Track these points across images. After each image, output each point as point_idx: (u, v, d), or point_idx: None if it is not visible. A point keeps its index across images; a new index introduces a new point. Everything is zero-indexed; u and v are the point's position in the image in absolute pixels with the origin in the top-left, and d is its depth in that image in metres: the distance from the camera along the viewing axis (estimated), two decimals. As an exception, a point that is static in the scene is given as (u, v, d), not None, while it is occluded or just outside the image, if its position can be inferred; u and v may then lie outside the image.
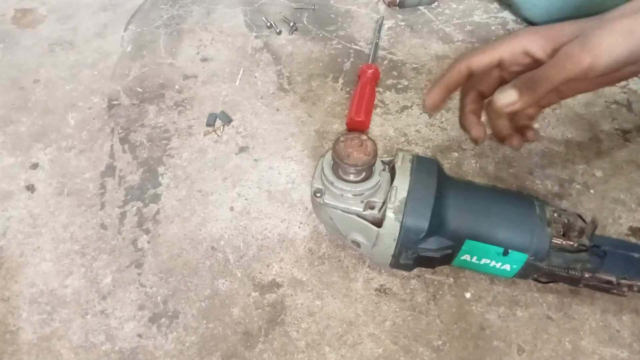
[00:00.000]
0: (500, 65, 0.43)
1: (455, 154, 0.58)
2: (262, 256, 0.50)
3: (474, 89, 0.47)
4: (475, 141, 0.48)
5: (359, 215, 0.41)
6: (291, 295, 0.47)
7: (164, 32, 0.76)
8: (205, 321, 0.46)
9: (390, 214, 0.39)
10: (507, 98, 0.39)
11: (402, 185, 0.40)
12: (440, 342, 0.44)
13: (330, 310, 0.46)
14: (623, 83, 0.65)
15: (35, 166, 0.59)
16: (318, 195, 0.42)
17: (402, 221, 0.39)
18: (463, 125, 0.49)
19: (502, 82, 0.45)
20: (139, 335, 0.45)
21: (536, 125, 0.60)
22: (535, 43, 0.40)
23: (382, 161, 0.43)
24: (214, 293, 0.48)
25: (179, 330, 0.46)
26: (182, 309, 0.47)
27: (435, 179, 0.40)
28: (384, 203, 0.41)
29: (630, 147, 0.59)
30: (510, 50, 0.41)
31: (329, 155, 0.42)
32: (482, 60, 0.42)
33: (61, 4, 0.82)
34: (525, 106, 0.40)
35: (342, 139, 0.41)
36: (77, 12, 0.80)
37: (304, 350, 0.44)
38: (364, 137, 0.41)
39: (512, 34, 0.42)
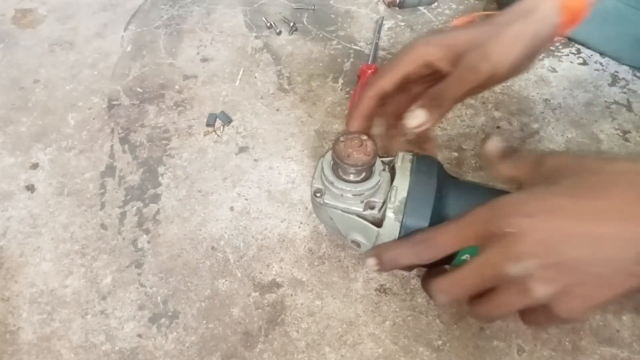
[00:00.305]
0: (407, 80, 0.43)
1: (455, 154, 0.58)
2: (262, 256, 0.50)
3: (388, 112, 0.46)
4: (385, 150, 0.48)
5: (359, 215, 0.41)
6: (291, 295, 0.47)
7: (164, 32, 0.76)
8: (205, 321, 0.46)
9: (390, 214, 0.39)
10: (418, 119, 0.39)
11: (402, 185, 0.40)
12: (440, 342, 0.44)
13: (330, 310, 0.46)
14: (623, 83, 0.66)
15: (35, 166, 0.59)
16: (318, 195, 0.42)
17: (402, 221, 0.39)
18: (392, 150, 0.48)
19: (414, 99, 0.44)
20: (139, 335, 0.45)
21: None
22: (434, 55, 0.41)
23: (382, 161, 0.43)
24: (214, 293, 0.48)
25: (179, 331, 0.46)
26: (182, 309, 0.47)
27: (435, 179, 0.40)
28: (384, 203, 0.41)
29: (630, 147, 0.59)
30: (413, 64, 0.41)
31: (328, 156, 0.42)
32: (390, 80, 0.42)
33: (61, 4, 0.82)
34: (435, 123, 0.40)
35: (342, 139, 0.41)
36: (77, 12, 0.80)
37: (304, 351, 0.44)
38: (364, 137, 0.41)
39: (409, 47, 0.42)
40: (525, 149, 0.39)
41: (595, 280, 0.30)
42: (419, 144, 0.47)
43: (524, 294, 0.32)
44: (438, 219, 0.40)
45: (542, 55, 0.45)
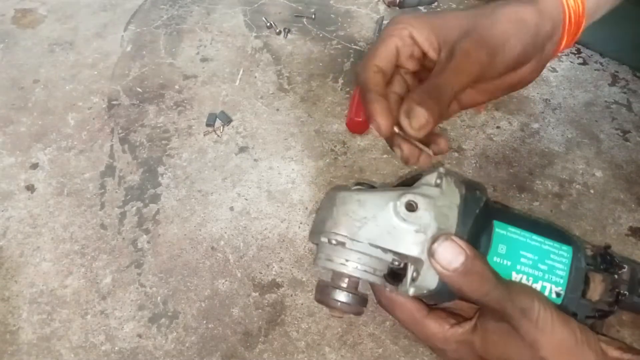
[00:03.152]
0: (397, 58, 0.38)
1: (456, 154, 0.58)
2: (262, 256, 0.50)
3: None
4: (407, 161, 0.40)
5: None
6: (291, 295, 0.47)
7: (164, 32, 0.76)
8: (205, 321, 0.46)
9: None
10: (420, 120, 0.34)
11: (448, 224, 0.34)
12: (440, 342, 0.44)
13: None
14: (623, 83, 0.66)
15: (35, 166, 0.59)
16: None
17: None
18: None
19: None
20: (139, 336, 0.45)
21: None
22: (420, 31, 0.36)
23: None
24: (214, 293, 0.48)
25: (178, 331, 0.46)
26: (182, 309, 0.47)
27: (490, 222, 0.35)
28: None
29: (630, 147, 0.59)
30: (400, 36, 0.37)
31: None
32: (381, 54, 0.37)
33: (61, 4, 0.82)
34: (437, 121, 0.35)
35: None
36: (77, 12, 0.80)
37: (304, 351, 0.44)
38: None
39: (395, 20, 0.37)
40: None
41: None
42: (428, 142, 0.41)
43: None
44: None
45: (551, 60, 0.39)
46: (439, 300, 0.36)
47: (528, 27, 0.36)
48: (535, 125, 0.61)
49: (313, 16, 0.76)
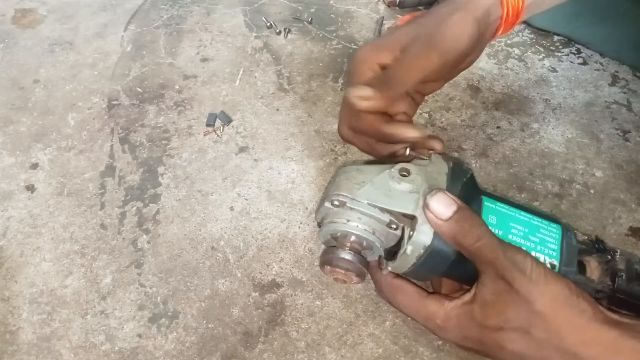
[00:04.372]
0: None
1: (456, 154, 0.58)
2: (262, 256, 0.50)
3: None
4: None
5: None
6: (291, 295, 0.47)
7: (164, 32, 0.76)
8: (205, 321, 0.46)
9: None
10: (362, 91, 0.39)
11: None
12: (440, 342, 0.44)
13: (330, 310, 0.46)
14: (623, 83, 0.66)
15: (35, 166, 0.59)
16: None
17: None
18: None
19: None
20: (139, 336, 0.45)
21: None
22: (385, 57, 0.41)
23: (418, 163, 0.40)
24: (214, 293, 0.48)
25: (178, 331, 0.46)
26: (182, 309, 0.47)
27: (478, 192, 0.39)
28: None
29: (630, 147, 0.59)
30: (370, 70, 0.41)
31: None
32: (361, 92, 0.40)
33: (61, 4, 0.82)
34: (383, 103, 0.40)
35: (327, 269, 0.39)
36: (77, 12, 0.80)
37: (304, 351, 0.44)
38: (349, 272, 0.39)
39: (358, 55, 0.42)
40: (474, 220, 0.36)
41: None
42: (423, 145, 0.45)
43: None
44: None
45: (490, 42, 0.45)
46: (433, 271, 0.38)
47: (472, 24, 0.40)
48: (535, 125, 0.61)
49: (310, 19, 0.76)
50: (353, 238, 0.38)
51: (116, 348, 0.45)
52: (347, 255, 0.37)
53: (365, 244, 0.38)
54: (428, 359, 0.43)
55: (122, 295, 0.48)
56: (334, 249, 0.38)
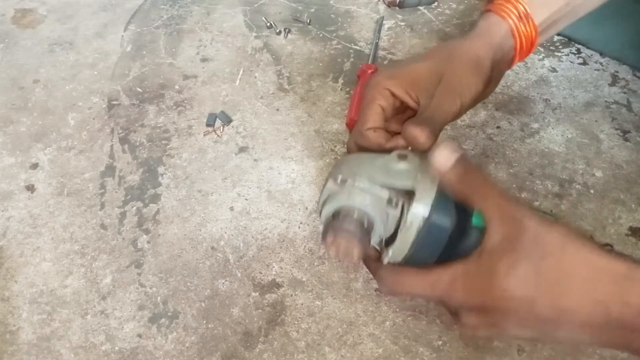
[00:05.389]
0: (384, 115, 0.45)
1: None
2: (262, 256, 0.50)
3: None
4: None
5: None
6: (291, 295, 0.47)
7: (164, 32, 0.76)
8: (205, 321, 0.46)
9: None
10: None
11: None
12: (440, 342, 0.44)
13: (330, 310, 0.46)
14: (623, 83, 0.66)
15: (35, 166, 0.59)
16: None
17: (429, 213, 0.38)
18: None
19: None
20: (139, 336, 0.45)
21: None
22: (398, 88, 0.43)
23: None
24: (214, 293, 0.48)
25: (178, 331, 0.46)
26: (182, 309, 0.47)
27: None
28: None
29: (630, 147, 0.59)
30: (382, 96, 0.43)
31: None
32: (371, 117, 0.43)
33: (61, 4, 0.82)
34: (433, 141, 0.42)
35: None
36: (77, 12, 0.80)
37: (304, 351, 0.44)
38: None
39: (374, 83, 0.44)
40: (478, 167, 0.39)
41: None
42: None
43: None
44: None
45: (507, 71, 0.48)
46: (433, 250, 0.39)
47: (484, 60, 0.42)
48: (535, 125, 0.61)
49: (308, 21, 0.76)
50: (356, 214, 0.39)
51: (116, 348, 0.45)
52: (350, 225, 0.39)
53: (366, 223, 0.39)
54: (428, 359, 0.43)
55: (122, 295, 0.48)
56: (335, 221, 0.39)
